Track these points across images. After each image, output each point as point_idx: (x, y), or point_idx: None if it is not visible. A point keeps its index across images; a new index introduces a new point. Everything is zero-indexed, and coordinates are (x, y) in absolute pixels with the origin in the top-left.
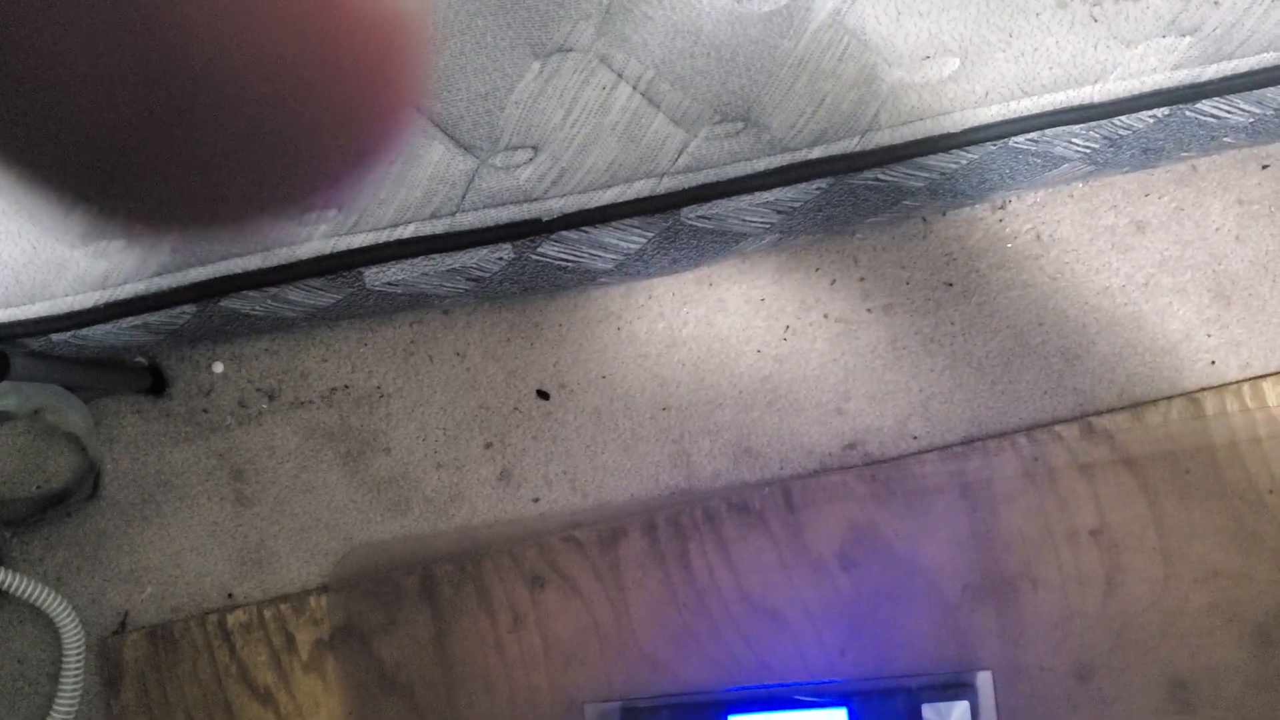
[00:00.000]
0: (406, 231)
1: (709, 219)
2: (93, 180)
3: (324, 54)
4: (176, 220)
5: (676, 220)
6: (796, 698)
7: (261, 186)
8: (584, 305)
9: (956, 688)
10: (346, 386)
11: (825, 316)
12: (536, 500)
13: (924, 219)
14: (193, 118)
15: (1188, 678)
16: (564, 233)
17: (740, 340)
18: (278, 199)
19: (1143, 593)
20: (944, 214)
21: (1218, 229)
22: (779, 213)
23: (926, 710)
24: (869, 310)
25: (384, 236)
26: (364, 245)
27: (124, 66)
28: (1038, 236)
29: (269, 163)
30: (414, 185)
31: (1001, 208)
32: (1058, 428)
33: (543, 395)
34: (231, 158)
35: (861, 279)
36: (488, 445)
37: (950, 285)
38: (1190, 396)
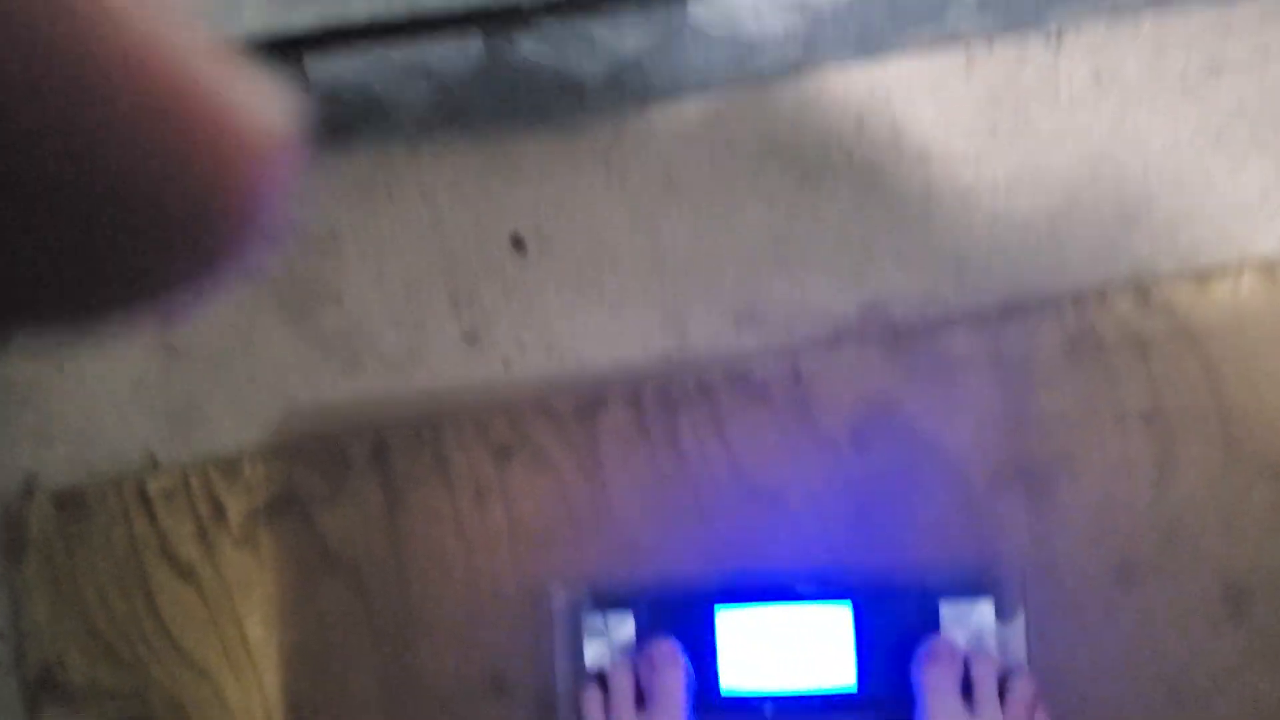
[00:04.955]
0: (359, 10)
1: (717, 15)
2: None
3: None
4: None
5: (681, 12)
6: (795, 588)
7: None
8: (569, 140)
9: (979, 584)
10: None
11: (849, 162)
12: (507, 364)
13: (967, 48)
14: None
15: (1245, 583)
16: (546, 22)
17: (749, 187)
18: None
19: (1198, 486)
20: (991, 46)
21: None
22: (800, 13)
23: (945, 608)
24: (901, 157)
25: (331, 16)
26: (306, 26)
27: None
28: (1097, 78)
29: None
30: None
31: (1057, 38)
32: (1110, 296)
33: (518, 245)
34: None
35: (893, 119)
36: (453, 299)
37: (994, 132)
38: (1264, 266)
